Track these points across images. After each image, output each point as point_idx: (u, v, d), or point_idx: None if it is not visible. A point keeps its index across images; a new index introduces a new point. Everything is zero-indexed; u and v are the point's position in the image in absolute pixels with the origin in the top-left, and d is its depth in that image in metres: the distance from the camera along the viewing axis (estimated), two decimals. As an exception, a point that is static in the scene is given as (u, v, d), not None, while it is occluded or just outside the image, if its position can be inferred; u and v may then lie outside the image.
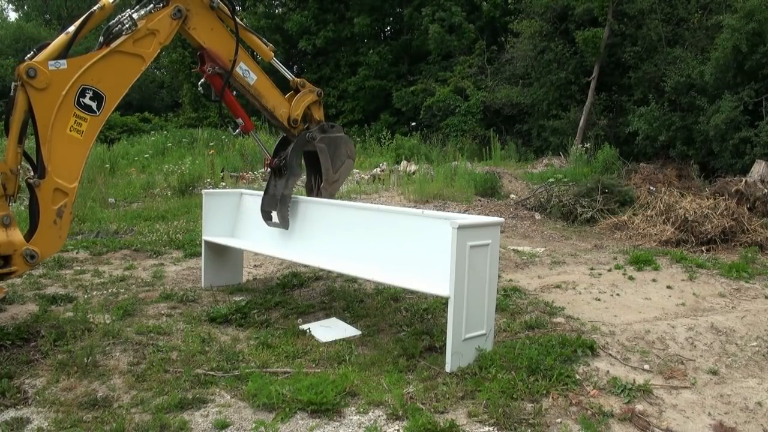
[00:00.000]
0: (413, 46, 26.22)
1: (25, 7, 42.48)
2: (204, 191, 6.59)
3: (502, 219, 4.27)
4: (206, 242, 6.31)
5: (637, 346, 4.62)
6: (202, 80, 5.38)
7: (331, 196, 5.93)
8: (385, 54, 26.04)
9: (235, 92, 5.66)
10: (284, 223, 5.71)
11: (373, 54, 25.86)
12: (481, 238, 4.08)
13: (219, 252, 6.39)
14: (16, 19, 42.30)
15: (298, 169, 5.79)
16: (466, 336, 4.12)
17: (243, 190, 6.72)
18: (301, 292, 6.19)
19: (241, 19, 5.41)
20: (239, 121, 5.65)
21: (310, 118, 5.84)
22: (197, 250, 7.75)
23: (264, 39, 5.68)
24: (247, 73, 5.39)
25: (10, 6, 44.30)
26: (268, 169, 5.97)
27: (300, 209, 5.73)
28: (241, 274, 6.74)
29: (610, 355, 4.44)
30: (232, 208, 6.43)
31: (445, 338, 4.22)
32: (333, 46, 26.82)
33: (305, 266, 6.95)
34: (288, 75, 5.82)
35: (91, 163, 13.90)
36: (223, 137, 20.00)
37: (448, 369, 4.07)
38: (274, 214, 5.76)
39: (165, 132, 22.74)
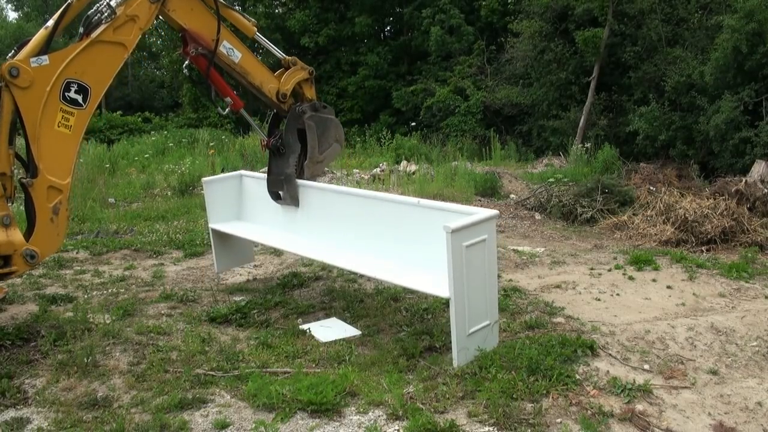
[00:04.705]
0: (413, 46, 26.22)
1: (25, 7, 42.44)
2: (203, 179, 6.60)
3: (496, 212, 4.31)
4: (213, 230, 6.34)
5: (637, 346, 4.62)
6: (186, 62, 5.34)
7: (313, 176, 5.91)
8: (384, 54, 26.05)
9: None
10: (294, 202, 5.74)
11: (372, 54, 25.88)
12: (476, 236, 4.09)
13: (228, 235, 6.40)
14: (16, 19, 42.32)
15: (297, 146, 5.76)
16: (470, 331, 4.15)
17: (243, 172, 6.75)
18: (301, 292, 6.19)
19: None
20: (227, 100, 5.59)
21: (301, 97, 5.80)
22: (197, 250, 7.76)
23: (246, 15, 5.63)
24: (231, 51, 5.34)
25: (10, 6, 44.32)
26: (266, 150, 5.95)
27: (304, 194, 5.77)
28: (253, 253, 6.81)
29: (610, 355, 4.43)
30: (234, 192, 6.47)
31: (447, 337, 4.26)
32: (333, 45, 26.86)
33: (308, 262, 6.96)
34: (278, 53, 5.76)
35: (90, 162, 13.92)
36: (223, 137, 19.99)
37: (455, 365, 4.08)
38: (282, 194, 5.80)
39: (165, 132, 22.73)
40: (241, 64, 5.42)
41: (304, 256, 6.00)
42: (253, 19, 5.68)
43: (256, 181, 6.34)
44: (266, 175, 5.95)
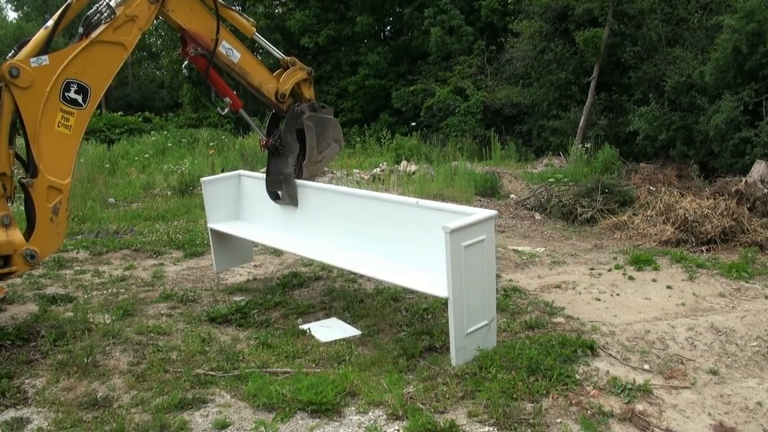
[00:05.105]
0: (413, 46, 26.23)
1: (25, 7, 42.46)
2: (202, 179, 6.62)
3: (494, 212, 4.34)
4: (211, 230, 6.37)
5: (637, 346, 4.62)
6: (186, 62, 5.36)
7: (312, 176, 5.94)
8: (385, 54, 26.06)
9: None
10: (293, 201, 5.76)
11: (373, 53, 25.89)
12: (474, 236, 4.09)
13: (227, 235, 6.41)
14: (15, 19, 42.32)
15: (296, 146, 5.78)
16: (468, 331, 4.17)
17: (241, 172, 6.77)
18: (301, 292, 6.19)
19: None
20: (227, 100, 5.61)
21: (300, 97, 5.82)
22: (197, 250, 7.76)
23: (245, 15, 5.66)
24: (231, 51, 5.35)
25: (10, 6, 44.32)
26: (265, 150, 5.97)
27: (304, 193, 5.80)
28: (252, 253, 6.87)
29: (610, 355, 4.44)
30: (232, 191, 6.50)
31: (447, 337, 4.27)
32: (334, 45, 26.89)
33: (308, 262, 6.96)
34: (277, 53, 5.79)
35: (90, 162, 13.91)
36: (223, 137, 19.99)
37: (453, 364, 4.11)
38: (281, 193, 5.83)
39: (165, 132, 22.73)
40: (240, 64, 5.44)
41: (303, 256, 6.03)
42: (252, 20, 5.69)
43: (254, 181, 6.36)
44: (265, 175, 5.96)
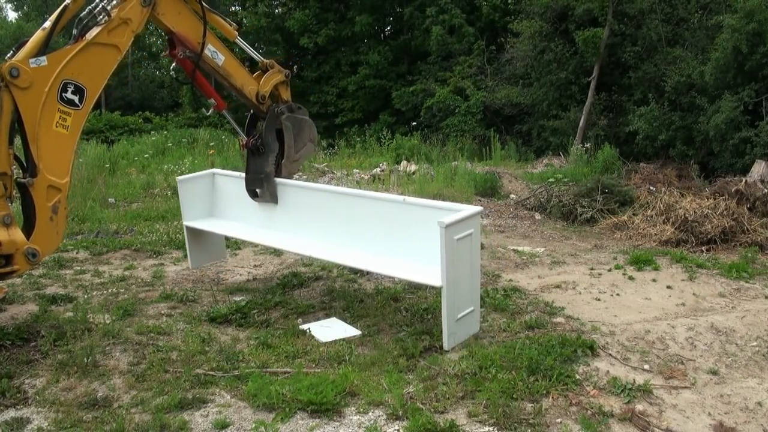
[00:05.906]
0: (413, 46, 26.22)
1: (25, 7, 42.45)
2: (178, 178, 6.75)
3: (480, 208, 4.78)
4: (187, 227, 6.51)
5: (637, 346, 4.62)
6: (174, 64, 5.50)
7: (291, 174, 6.17)
8: (385, 53, 26.05)
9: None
10: (273, 199, 5.95)
11: (373, 53, 25.89)
12: (465, 230, 4.43)
13: (200, 232, 6.57)
14: (16, 18, 42.31)
15: (275, 145, 5.97)
16: (458, 316, 4.52)
17: (215, 170, 6.94)
18: (301, 292, 6.19)
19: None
20: (211, 101, 5.78)
21: (277, 98, 6.02)
22: (197, 250, 7.77)
23: (228, 19, 5.84)
24: (215, 54, 5.51)
25: (10, 6, 44.31)
26: (245, 150, 6.12)
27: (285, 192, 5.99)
28: (224, 250, 7.13)
29: (610, 355, 4.44)
30: (207, 190, 6.66)
31: (441, 324, 4.51)
32: (333, 45, 26.86)
33: (308, 262, 6.96)
34: (255, 56, 5.98)
35: (90, 162, 13.90)
36: (223, 137, 19.96)
37: (446, 347, 4.44)
38: (260, 191, 6.00)
39: (165, 132, 22.71)
40: (224, 66, 5.59)
41: (277, 248, 6.32)
42: (234, 24, 5.88)
43: (228, 179, 6.54)
44: (244, 173, 6.11)
